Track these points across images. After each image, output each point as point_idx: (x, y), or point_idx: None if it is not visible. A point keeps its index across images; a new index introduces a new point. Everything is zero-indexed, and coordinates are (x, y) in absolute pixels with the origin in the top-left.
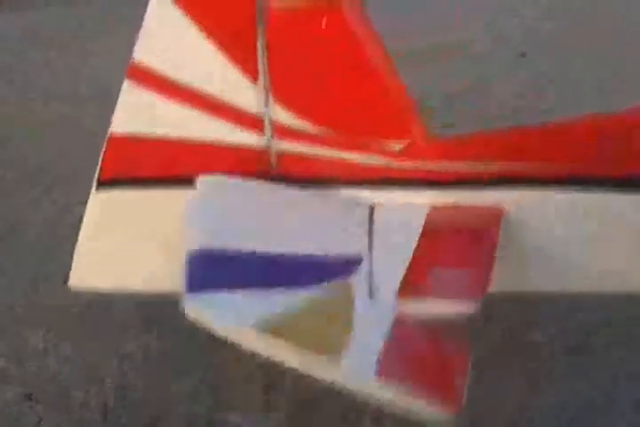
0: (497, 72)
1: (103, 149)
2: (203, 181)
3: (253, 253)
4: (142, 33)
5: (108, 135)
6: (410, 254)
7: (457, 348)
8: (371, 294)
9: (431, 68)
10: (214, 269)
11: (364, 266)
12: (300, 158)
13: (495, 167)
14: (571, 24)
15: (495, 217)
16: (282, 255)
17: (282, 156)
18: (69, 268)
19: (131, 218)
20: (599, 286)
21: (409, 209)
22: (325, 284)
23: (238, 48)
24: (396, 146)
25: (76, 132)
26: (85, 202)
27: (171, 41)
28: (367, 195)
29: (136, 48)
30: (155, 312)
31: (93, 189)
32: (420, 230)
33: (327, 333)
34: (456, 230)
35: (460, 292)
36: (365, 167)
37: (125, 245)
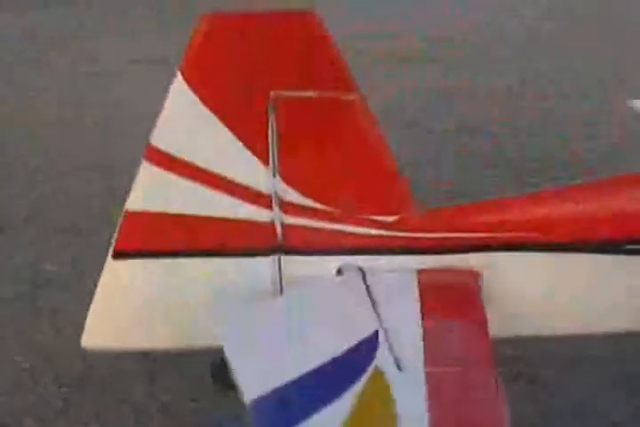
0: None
1: (119, 224)
2: (221, 314)
3: (300, 378)
4: (161, 117)
5: (124, 211)
6: (418, 317)
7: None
8: (398, 366)
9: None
10: (277, 414)
11: (382, 341)
12: (304, 231)
13: (473, 236)
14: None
15: (474, 279)
16: (321, 366)
17: (287, 229)
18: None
19: (142, 285)
20: (564, 330)
21: (399, 274)
22: (360, 377)
23: (250, 132)
24: (389, 219)
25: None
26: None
27: (187, 125)
28: (363, 262)
29: (155, 131)
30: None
31: (109, 257)
32: (417, 294)
33: (377, 418)
34: (447, 291)
35: (474, 357)
36: (362, 238)
37: (136, 309)
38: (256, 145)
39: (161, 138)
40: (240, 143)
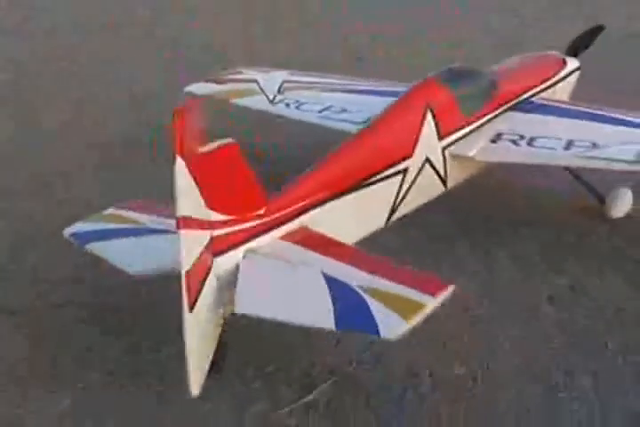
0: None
1: (184, 284)
2: None
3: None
4: (176, 193)
5: (185, 273)
6: (330, 259)
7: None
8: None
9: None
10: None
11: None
12: (223, 236)
13: (297, 206)
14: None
15: (308, 230)
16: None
17: (212, 240)
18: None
19: (206, 320)
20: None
21: (277, 244)
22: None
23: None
24: (261, 211)
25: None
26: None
27: (186, 189)
28: (255, 244)
29: (177, 206)
30: None
31: (186, 313)
32: (304, 248)
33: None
34: (316, 239)
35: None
36: (254, 227)
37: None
38: (199, 189)
39: (180, 207)
40: (198, 191)
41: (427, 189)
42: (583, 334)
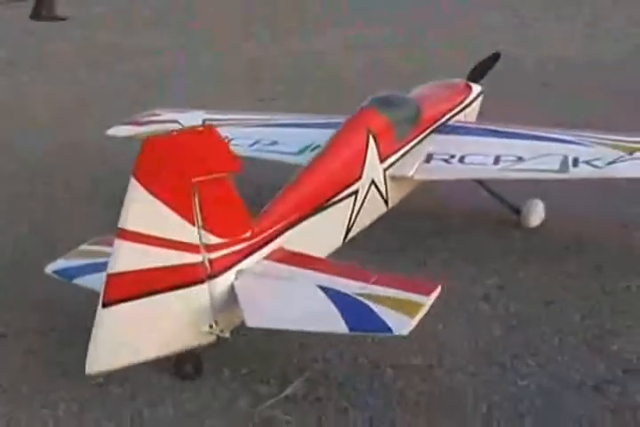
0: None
1: (104, 284)
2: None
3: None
4: (124, 208)
5: (108, 274)
6: (319, 274)
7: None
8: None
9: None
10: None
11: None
12: (220, 258)
13: (285, 222)
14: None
15: (284, 249)
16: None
17: (211, 263)
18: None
19: (126, 323)
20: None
21: (263, 264)
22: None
23: (184, 209)
24: (247, 234)
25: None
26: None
27: (143, 210)
28: (245, 264)
29: (121, 218)
30: None
31: (100, 307)
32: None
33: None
34: (295, 256)
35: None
36: (242, 250)
37: (127, 338)
38: (186, 213)
39: (126, 222)
40: (176, 215)
41: (373, 208)
42: (521, 323)
